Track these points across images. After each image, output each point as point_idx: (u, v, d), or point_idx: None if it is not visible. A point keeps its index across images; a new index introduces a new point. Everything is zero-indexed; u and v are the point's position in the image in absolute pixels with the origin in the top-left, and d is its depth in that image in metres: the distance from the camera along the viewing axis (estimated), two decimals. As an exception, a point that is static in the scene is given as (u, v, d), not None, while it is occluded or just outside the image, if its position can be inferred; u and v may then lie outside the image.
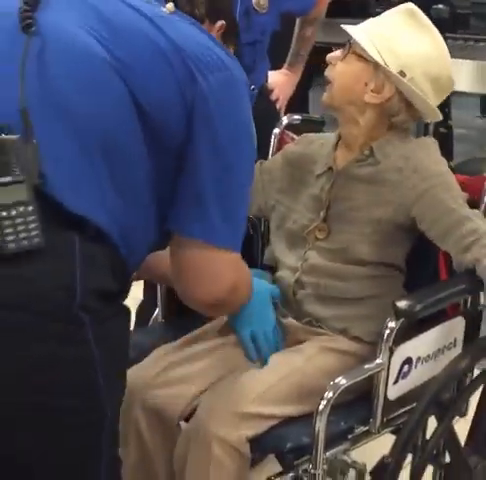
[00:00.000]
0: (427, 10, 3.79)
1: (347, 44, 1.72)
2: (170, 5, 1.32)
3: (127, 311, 1.27)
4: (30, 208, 1.11)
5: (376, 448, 1.64)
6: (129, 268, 1.27)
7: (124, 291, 1.27)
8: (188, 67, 1.24)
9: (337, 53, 1.74)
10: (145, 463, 1.68)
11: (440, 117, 1.79)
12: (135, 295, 2.33)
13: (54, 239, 1.12)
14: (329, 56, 1.75)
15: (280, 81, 2.48)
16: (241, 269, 1.41)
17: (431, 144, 1.77)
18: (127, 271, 1.26)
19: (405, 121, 1.74)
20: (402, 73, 1.67)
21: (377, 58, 1.67)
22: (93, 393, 1.14)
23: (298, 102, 2.77)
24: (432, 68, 1.70)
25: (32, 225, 1.10)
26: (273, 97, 2.40)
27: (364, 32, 1.70)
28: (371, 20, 1.74)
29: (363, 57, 1.69)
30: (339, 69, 1.72)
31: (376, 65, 1.68)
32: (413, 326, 1.58)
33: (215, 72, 1.26)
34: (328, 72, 1.75)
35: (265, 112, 2.24)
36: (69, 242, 1.14)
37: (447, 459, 1.72)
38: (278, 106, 2.42)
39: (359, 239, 1.71)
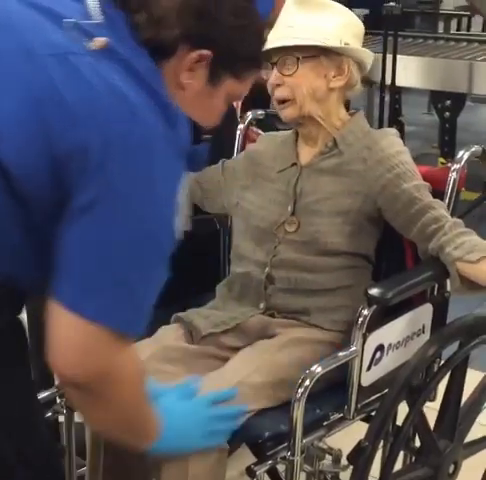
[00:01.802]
0: (377, 8, 3.86)
1: (281, 60, 1.72)
2: (100, 41, 1.14)
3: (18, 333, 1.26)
4: None
5: (349, 435, 1.67)
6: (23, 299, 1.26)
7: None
8: (69, 119, 1.10)
9: (276, 74, 1.73)
10: (117, 467, 1.68)
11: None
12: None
13: None
14: (273, 81, 1.74)
15: None
16: (122, 357, 1.18)
17: (393, 133, 1.81)
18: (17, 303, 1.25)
19: (359, 87, 1.80)
20: (346, 44, 1.73)
21: (329, 44, 1.70)
22: None
23: (259, 99, 2.77)
24: (355, 29, 1.78)
25: None
26: None
27: (293, 37, 1.71)
28: (278, 27, 1.76)
29: (309, 58, 1.71)
30: (294, 83, 1.72)
31: (326, 53, 1.72)
32: (383, 314, 1.62)
33: (114, 124, 1.11)
34: (281, 93, 1.74)
35: None
36: None
37: (417, 443, 1.76)
38: (234, 104, 2.42)
39: (329, 230, 1.73)
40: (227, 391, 1.53)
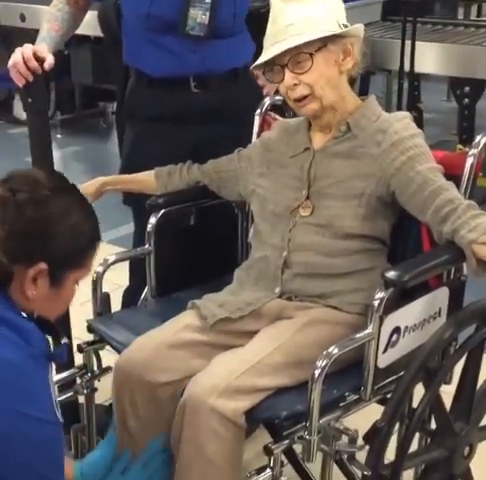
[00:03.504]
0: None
1: (292, 60, 1.71)
2: None
3: None
4: None
5: (365, 416, 1.69)
6: None
7: None
8: None
9: (290, 75, 1.72)
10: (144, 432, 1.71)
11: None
12: (120, 282, 2.37)
13: None
14: (289, 83, 1.73)
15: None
16: None
17: (406, 116, 1.81)
18: None
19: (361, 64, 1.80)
20: (344, 25, 1.74)
21: (334, 29, 1.71)
22: None
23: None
24: (341, 7, 1.78)
25: None
26: (260, 82, 2.39)
27: (298, 34, 1.70)
28: (278, 28, 1.73)
29: (319, 49, 1.71)
30: (311, 80, 1.72)
31: (332, 40, 1.72)
32: (399, 297, 1.63)
33: None
34: (301, 91, 1.73)
35: (250, 93, 2.25)
36: None
37: (433, 426, 1.78)
38: (265, 93, 2.41)
39: (344, 213, 1.75)
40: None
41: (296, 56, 1.71)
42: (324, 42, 1.72)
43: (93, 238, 1.42)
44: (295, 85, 1.73)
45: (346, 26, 1.74)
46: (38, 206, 1.32)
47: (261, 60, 1.76)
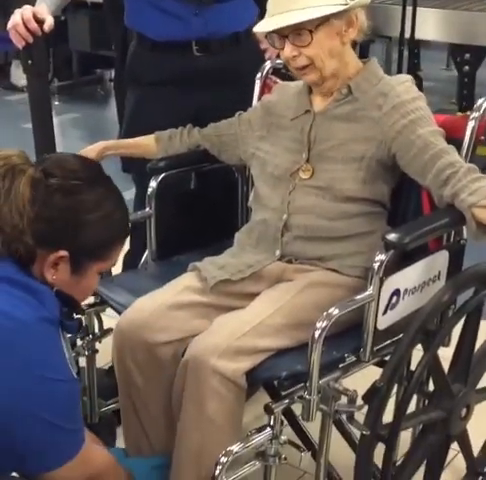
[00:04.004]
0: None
1: (293, 34, 1.69)
2: None
3: None
4: None
5: (364, 378, 1.71)
6: None
7: None
8: None
9: (290, 47, 1.71)
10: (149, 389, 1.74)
11: None
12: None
13: None
14: (289, 54, 1.72)
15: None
16: (89, 465, 1.40)
17: (408, 79, 1.81)
18: None
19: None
20: None
21: (339, 6, 1.67)
22: None
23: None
24: None
25: None
26: (262, 46, 2.37)
27: (300, 8, 1.67)
28: (275, 5, 1.71)
29: (320, 25, 1.69)
30: (311, 53, 1.72)
31: (334, 15, 1.69)
32: (400, 260, 1.64)
33: None
34: (301, 62, 1.73)
35: (252, 56, 2.24)
36: None
37: (431, 388, 1.80)
38: (267, 56, 2.40)
39: (344, 177, 1.75)
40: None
41: (296, 32, 1.70)
42: (326, 17, 1.69)
43: (122, 231, 1.44)
44: (295, 56, 1.73)
45: None
46: (67, 195, 1.34)
47: (261, 30, 1.75)
